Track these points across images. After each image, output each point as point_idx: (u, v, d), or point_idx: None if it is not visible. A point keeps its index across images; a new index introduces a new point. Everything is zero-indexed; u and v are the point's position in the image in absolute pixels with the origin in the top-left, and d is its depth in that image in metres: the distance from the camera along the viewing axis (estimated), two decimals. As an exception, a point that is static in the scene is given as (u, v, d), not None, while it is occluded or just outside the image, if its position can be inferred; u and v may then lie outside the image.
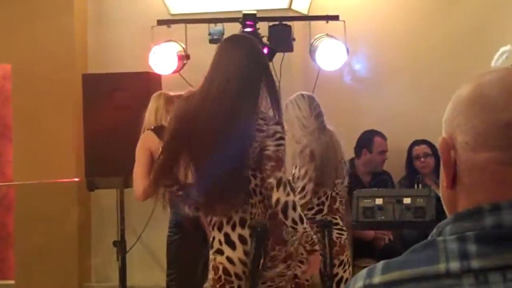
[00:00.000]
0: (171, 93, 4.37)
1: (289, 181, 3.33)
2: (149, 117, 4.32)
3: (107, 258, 5.59)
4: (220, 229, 3.28)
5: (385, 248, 5.41)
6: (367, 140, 5.55)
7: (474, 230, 1.00)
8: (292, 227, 3.23)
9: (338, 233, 4.32)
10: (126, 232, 5.11)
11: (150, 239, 5.57)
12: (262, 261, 3.24)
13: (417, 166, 5.66)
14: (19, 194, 5.96)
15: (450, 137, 1.08)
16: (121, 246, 5.02)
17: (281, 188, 3.17)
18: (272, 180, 3.17)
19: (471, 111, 1.05)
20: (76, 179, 5.64)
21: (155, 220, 5.02)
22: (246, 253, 3.24)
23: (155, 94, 4.44)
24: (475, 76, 1.10)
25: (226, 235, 3.26)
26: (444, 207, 1.12)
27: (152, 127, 4.26)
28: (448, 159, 1.08)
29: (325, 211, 4.34)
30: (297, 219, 3.20)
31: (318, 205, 4.33)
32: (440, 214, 4.41)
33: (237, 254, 3.24)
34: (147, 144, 4.18)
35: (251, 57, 3.28)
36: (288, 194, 3.18)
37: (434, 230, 1.05)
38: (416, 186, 5.27)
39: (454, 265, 0.98)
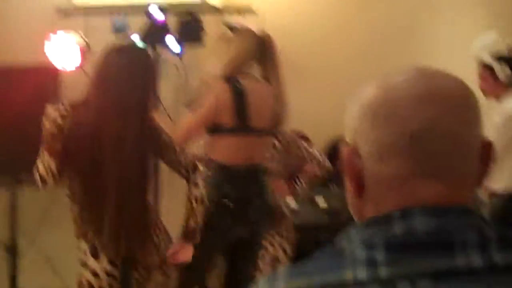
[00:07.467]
0: None
1: None
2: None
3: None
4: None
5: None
6: None
7: (383, 237, 0.97)
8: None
9: None
10: (18, 236, 4.83)
11: (45, 243, 5.17)
12: None
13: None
14: None
15: (354, 145, 1.04)
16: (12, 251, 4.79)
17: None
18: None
19: (376, 120, 1.01)
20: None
21: (50, 220, 4.82)
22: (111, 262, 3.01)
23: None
24: (380, 77, 1.04)
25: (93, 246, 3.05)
26: (352, 214, 1.09)
27: None
28: (353, 169, 1.04)
29: None
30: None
31: None
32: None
33: (102, 264, 3.02)
34: None
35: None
36: None
37: (342, 235, 1.02)
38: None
39: (361, 273, 0.95)
